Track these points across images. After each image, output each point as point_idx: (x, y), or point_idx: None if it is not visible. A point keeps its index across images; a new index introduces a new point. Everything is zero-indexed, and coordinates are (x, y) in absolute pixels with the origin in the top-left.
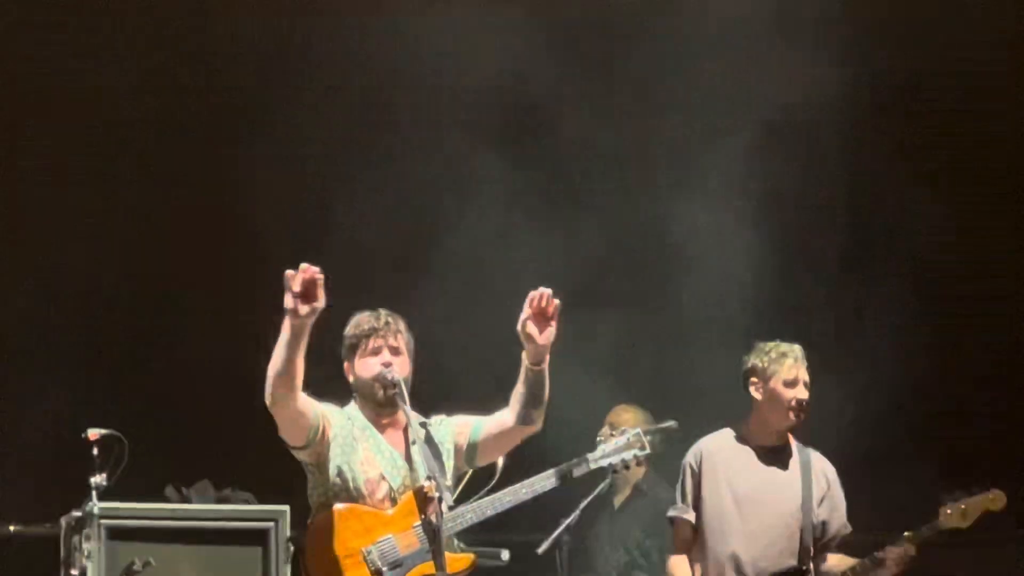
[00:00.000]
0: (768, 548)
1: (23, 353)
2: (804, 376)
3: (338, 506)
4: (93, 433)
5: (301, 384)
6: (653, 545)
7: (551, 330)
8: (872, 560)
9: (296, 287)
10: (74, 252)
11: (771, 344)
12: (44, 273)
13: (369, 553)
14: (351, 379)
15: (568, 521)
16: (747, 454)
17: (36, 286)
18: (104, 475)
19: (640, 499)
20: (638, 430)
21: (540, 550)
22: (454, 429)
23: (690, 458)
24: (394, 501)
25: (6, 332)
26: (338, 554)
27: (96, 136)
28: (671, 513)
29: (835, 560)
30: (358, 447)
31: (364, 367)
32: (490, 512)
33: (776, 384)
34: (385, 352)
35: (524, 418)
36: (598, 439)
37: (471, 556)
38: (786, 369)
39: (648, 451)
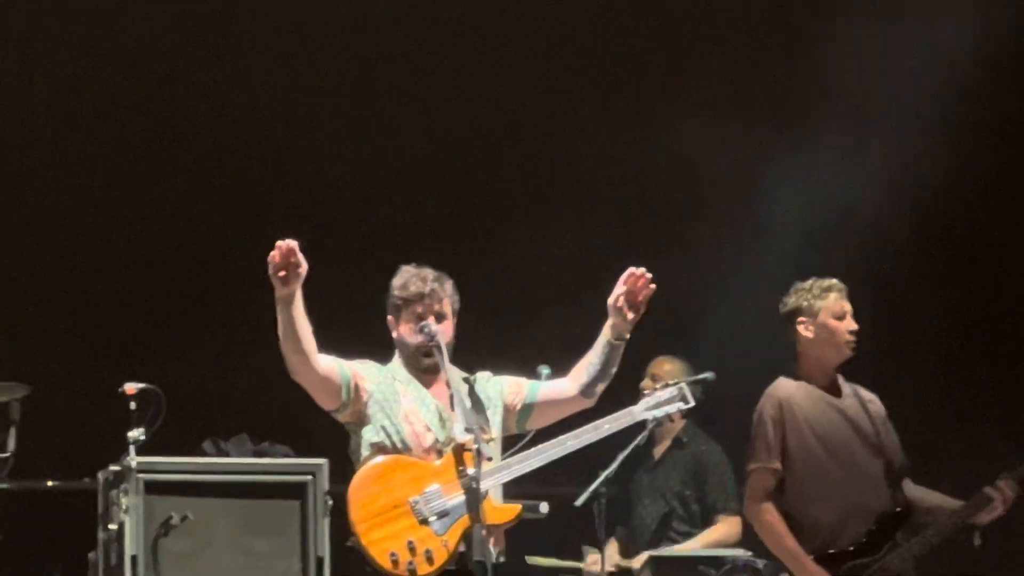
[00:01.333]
0: (860, 489)
1: (61, 307)
2: (849, 307)
3: (384, 457)
4: (130, 387)
5: (314, 348)
6: (692, 496)
7: (641, 310)
8: (981, 498)
9: (276, 268)
10: (111, 203)
11: (810, 281)
12: (80, 225)
13: (416, 503)
14: (395, 335)
15: (607, 473)
16: (817, 397)
17: (73, 236)
18: (142, 429)
19: (679, 450)
20: (682, 383)
21: (579, 502)
22: (504, 388)
23: (768, 407)
24: (440, 453)
25: (43, 286)
26: (384, 505)
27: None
28: (754, 464)
29: (920, 492)
30: (401, 400)
31: (408, 333)
32: (536, 463)
33: (826, 318)
34: (431, 320)
35: (587, 390)
36: (642, 391)
37: (517, 507)
38: (832, 302)
39: (692, 404)
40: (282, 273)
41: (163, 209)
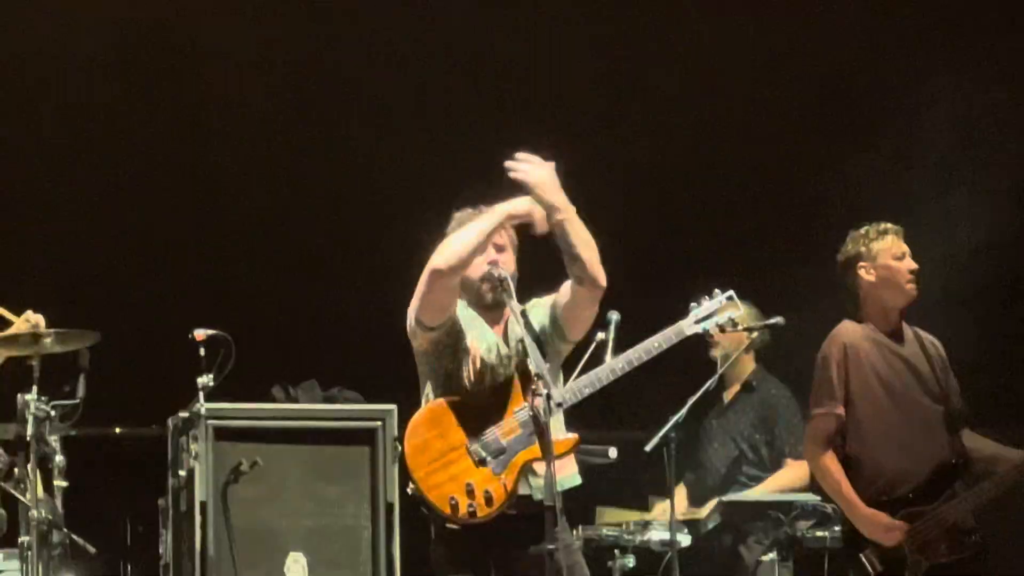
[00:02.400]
0: (919, 436)
1: (130, 254)
2: (907, 248)
3: (436, 401)
4: (200, 333)
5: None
6: (762, 440)
7: (534, 179)
8: None
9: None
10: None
11: (865, 227)
12: (147, 170)
13: (472, 445)
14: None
15: (676, 418)
16: (880, 342)
17: (142, 181)
18: (211, 375)
19: (748, 394)
20: (731, 292)
21: (648, 447)
22: (544, 311)
23: (832, 351)
24: (495, 390)
25: (112, 232)
26: (441, 449)
27: None
28: (817, 410)
29: (980, 442)
30: (467, 336)
31: (472, 268)
32: (589, 391)
33: (887, 260)
34: (490, 250)
35: (574, 278)
36: (691, 305)
37: (575, 437)
38: (890, 243)
39: (741, 311)
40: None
41: (228, 156)
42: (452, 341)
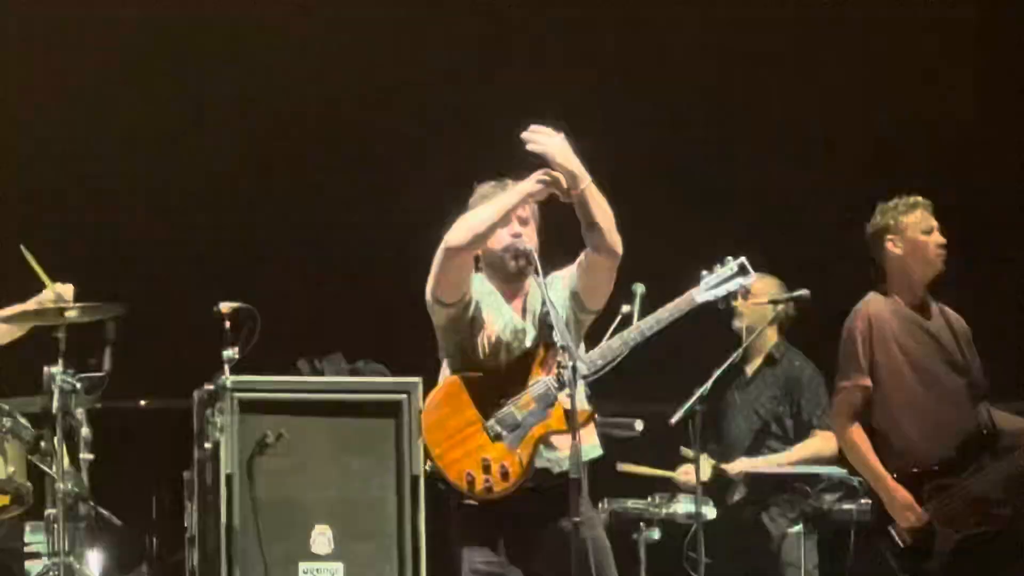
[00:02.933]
0: (945, 409)
1: (157, 225)
2: (935, 222)
3: (452, 378)
4: (225, 306)
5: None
6: (785, 412)
7: (551, 150)
8: None
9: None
10: (205, 121)
11: (894, 200)
12: (174, 145)
13: (487, 419)
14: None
15: (701, 391)
16: (905, 315)
17: (164, 153)
18: (236, 348)
19: (772, 367)
20: (742, 259)
21: (673, 420)
22: (563, 283)
23: (857, 323)
24: (511, 364)
25: (138, 204)
26: (456, 425)
27: None
28: (843, 383)
29: (1002, 417)
30: (483, 312)
31: (493, 239)
32: (602, 363)
33: (915, 234)
34: (514, 223)
35: (589, 245)
36: (702, 273)
37: (588, 410)
38: (919, 217)
39: (752, 278)
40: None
41: (255, 129)
42: (468, 317)
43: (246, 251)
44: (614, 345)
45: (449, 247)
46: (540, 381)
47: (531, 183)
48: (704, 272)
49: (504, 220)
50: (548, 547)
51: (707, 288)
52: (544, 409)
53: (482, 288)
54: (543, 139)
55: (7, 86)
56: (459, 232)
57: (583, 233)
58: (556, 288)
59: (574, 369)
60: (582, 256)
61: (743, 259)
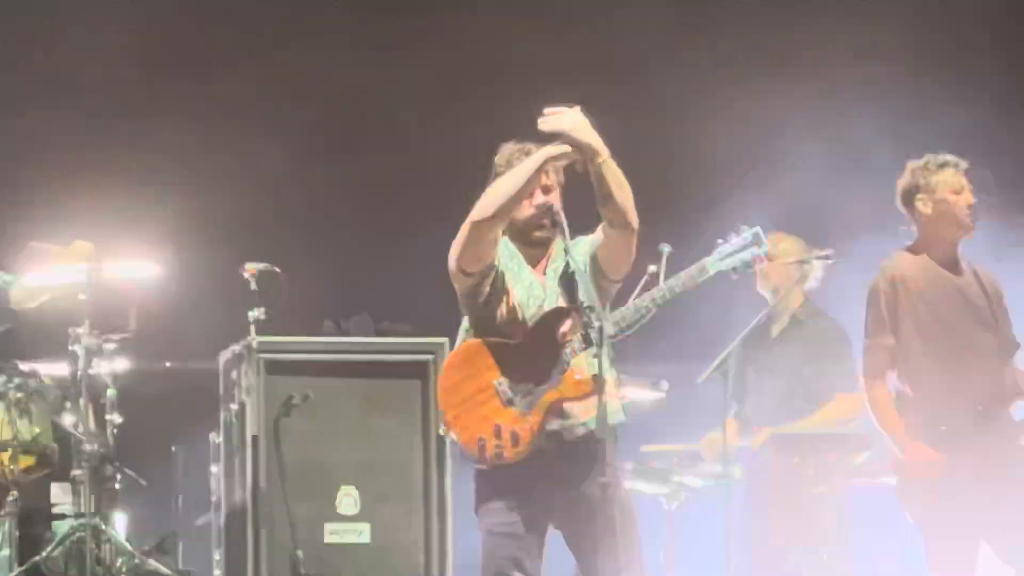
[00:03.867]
0: (971, 367)
1: (183, 186)
2: (966, 182)
3: (469, 342)
4: (251, 267)
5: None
6: (811, 373)
7: (567, 125)
8: None
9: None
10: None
11: (925, 158)
12: (200, 103)
13: (500, 384)
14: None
15: (728, 351)
16: (933, 272)
17: (190, 112)
18: (263, 309)
19: (798, 328)
20: (757, 228)
21: (700, 380)
22: (586, 248)
23: (881, 282)
24: (528, 330)
25: (167, 167)
26: (470, 390)
27: None
28: (868, 340)
29: None
30: (505, 279)
31: (518, 208)
32: (612, 329)
33: (944, 193)
34: (537, 194)
35: (606, 220)
36: (717, 242)
37: (606, 378)
38: (950, 176)
39: (766, 247)
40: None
41: (281, 86)
42: (491, 285)
43: (272, 211)
44: (627, 314)
45: (475, 221)
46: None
47: (551, 147)
48: (719, 241)
49: (527, 188)
50: (566, 508)
51: (720, 258)
52: (557, 376)
53: (505, 252)
54: (556, 117)
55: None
56: (485, 206)
57: (598, 207)
58: (580, 252)
59: (601, 329)
60: (599, 228)
61: (758, 228)
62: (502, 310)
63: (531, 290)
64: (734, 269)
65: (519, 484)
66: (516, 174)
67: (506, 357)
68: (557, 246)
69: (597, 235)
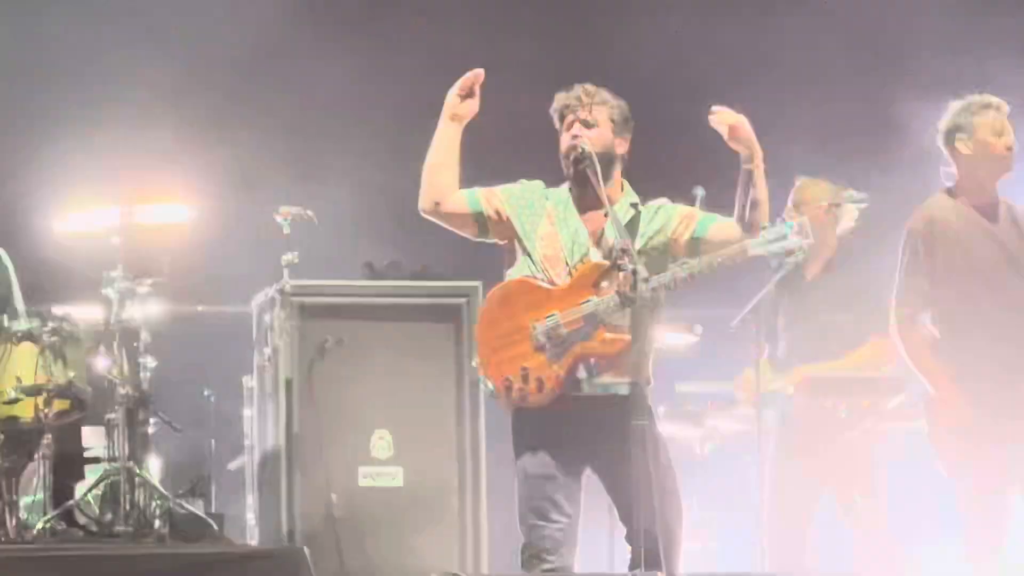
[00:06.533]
0: (1006, 314)
1: (216, 131)
2: (1008, 125)
3: (513, 280)
4: (285, 211)
5: (454, 182)
6: (846, 319)
7: (735, 127)
8: None
9: (462, 89)
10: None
11: (968, 99)
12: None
13: (534, 329)
14: None
15: (760, 295)
16: (971, 217)
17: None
18: (296, 253)
19: (830, 273)
20: (804, 218)
21: (733, 324)
22: (675, 222)
23: (918, 224)
24: (569, 277)
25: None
26: (507, 328)
27: None
28: (904, 283)
29: None
30: (542, 222)
31: (561, 143)
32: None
33: (985, 135)
34: (576, 126)
35: (744, 224)
36: (762, 226)
37: (624, 338)
38: (991, 119)
39: (809, 240)
40: (464, 95)
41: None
42: (515, 236)
43: (306, 155)
44: (664, 279)
45: (424, 213)
46: (591, 300)
47: (450, 96)
48: (765, 225)
49: (445, 157)
50: (603, 452)
51: (764, 243)
52: (590, 329)
53: (554, 198)
54: (725, 114)
55: None
56: (422, 197)
57: (740, 209)
58: (658, 220)
59: (635, 272)
60: (727, 225)
61: (804, 219)
62: (540, 258)
63: (576, 237)
64: (775, 256)
65: (556, 427)
66: (433, 147)
67: (545, 301)
68: (619, 195)
69: (718, 224)
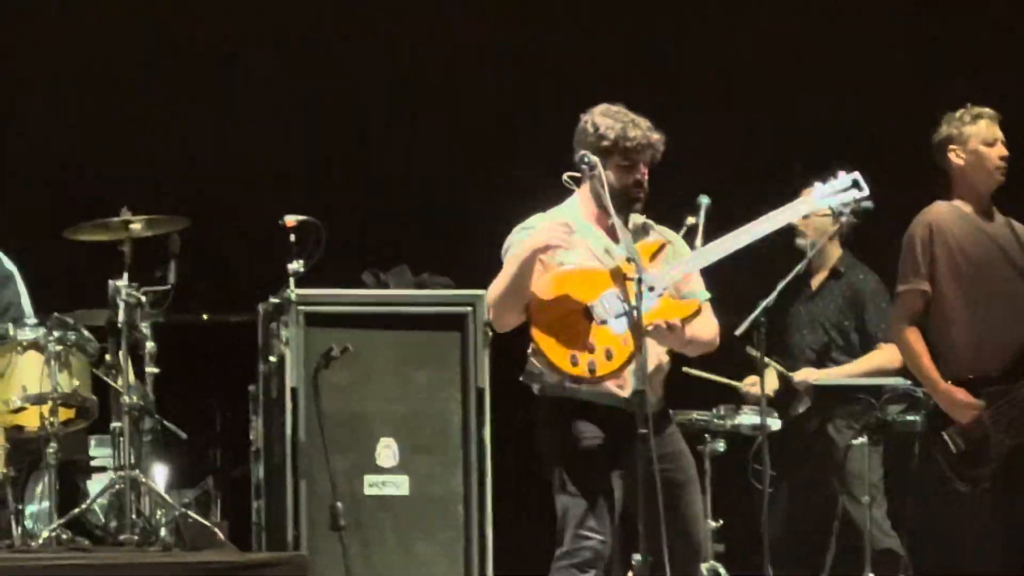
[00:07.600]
0: (1005, 314)
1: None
2: (1000, 134)
3: (563, 267)
4: (290, 219)
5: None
6: (851, 326)
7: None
8: None
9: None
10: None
11: (961, 110)
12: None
13: (594, 306)
14: (593, 173)
15: (766, 303)
16: (968, 220)
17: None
18: (301, 261)
19: (836, 280)
20: (856, 174)
21: (738, 332)
22: (678, 274)
23: (918, 229)
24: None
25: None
26: (563, 311)
27: None
28: (902, 287)
29: None
30: (574, 252)
31: (619, 177)
32: (712, 258)
33: (977, 145)
34: (641, 166)
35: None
36: (813, 184)
37: (696, 301)
38: (984, 129)
39: (867, 192)
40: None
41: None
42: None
43: (310, 163)
44: (726, 246)
45: (495, 326)
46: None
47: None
48: (816, 183)
49: (517, 292)
50: (632, 455)
51: (822, 196)
52: (651, 301)
53: (573, 224)
54: None
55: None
56: (494, 311)
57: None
58: (679, 249)
59: (639, 281)
60: (704, 325)
61: (856, 174)
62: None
63: (604, 243)
64: (835, 211)
65: (595, 436)
66: (502, 279)
67: (598, 281)
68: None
69: (700, 319)
